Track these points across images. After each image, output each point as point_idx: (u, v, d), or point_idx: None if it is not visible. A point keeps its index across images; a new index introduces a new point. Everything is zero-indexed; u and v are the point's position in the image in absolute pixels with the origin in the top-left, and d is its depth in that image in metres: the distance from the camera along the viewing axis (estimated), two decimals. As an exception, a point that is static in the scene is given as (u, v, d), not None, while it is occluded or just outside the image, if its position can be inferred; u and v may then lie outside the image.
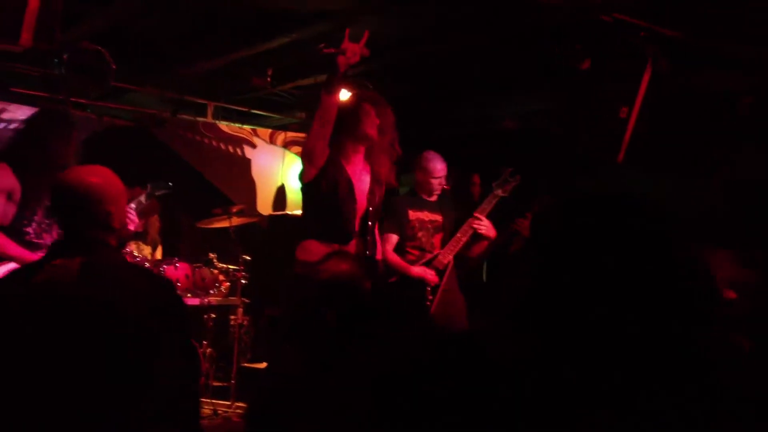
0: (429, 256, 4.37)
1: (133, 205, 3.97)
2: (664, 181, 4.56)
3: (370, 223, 3.69)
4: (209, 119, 6.64)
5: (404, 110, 4.00)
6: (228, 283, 5.44)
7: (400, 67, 5.39)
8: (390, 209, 4.39)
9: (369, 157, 3.83)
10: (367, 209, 3.73)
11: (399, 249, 4.39)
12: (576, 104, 5.00)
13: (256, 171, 7.03)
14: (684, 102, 4.55)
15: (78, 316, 1.97)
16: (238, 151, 6.94)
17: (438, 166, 4.46)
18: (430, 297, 4.26)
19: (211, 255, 5.50)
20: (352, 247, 3.72)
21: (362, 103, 3.81)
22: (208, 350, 5.08)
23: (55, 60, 4.76)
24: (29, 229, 3.57)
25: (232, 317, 5.40)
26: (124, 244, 2.20)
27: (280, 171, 7.20)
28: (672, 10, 3.89)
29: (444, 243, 4.41)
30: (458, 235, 4.31)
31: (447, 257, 4.31)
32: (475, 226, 4.26)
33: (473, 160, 5.71)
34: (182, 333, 2.19)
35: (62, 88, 5.31)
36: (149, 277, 2.24)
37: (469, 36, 4.56)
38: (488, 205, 4.31)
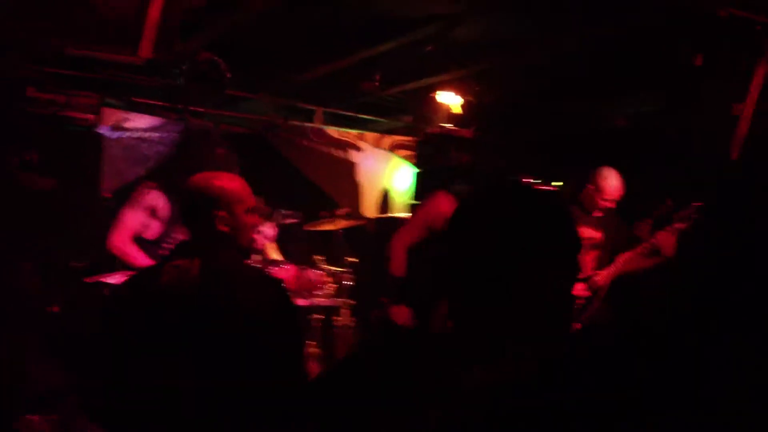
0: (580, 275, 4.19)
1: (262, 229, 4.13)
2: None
3: None
4: (318, 124, 6.79)
5: (512, 111, 3.98)
6: (334, 285, 5.55)
7: (507, 68, 5.35)
8: None
9: None
10: None
11: None
12: (689, 102, 4.83)
13: (362, 174, 7.13)
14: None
15: (199, 316, 2.12)
16: (345, 155, 7.06)
17: (613, 187, 4.20)
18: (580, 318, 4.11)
19: (318, 257, 5.62)
20: None
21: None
22: (315, 350, 5.21)
23: (174, 70, 4.98)
24: (168, 246, 3.80)
25: (337, 318, 5.50)
26: (245, 252, 2.31)
27: (385, 174, 7.27)
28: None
29: (600, 262, 4.22)
30: (624, 258, 4.10)
31: (604, 280, 4.12)
32: (663, 243, 3.94)
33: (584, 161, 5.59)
34: (293, 334, 2.30)
35: (181, 98, 5.58)
36: (263, 280, 2.33)
37: (577, 36, 4.49)
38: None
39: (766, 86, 3.70)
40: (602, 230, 4.26)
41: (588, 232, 4.22)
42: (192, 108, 5.83)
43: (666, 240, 3.96)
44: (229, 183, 2.30)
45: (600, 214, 4.25)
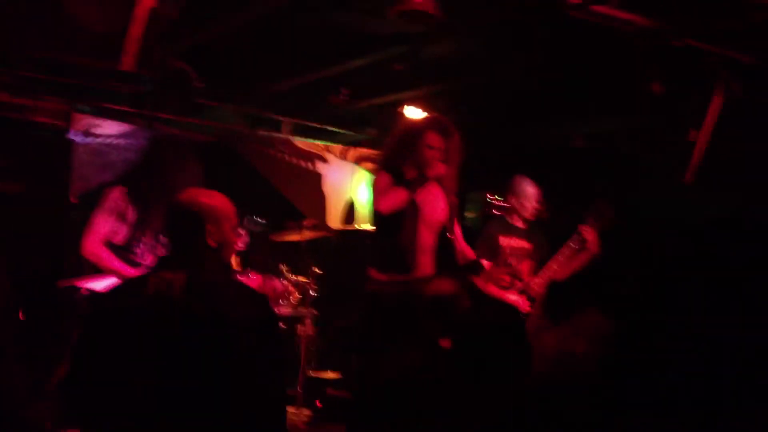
0: (519, 284, 4.40)
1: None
2: (729, 201, 4.50)
3: (449, 235, 3.80)
4: (285, 135, 6.84)
5: (475, 131, 4.11)
6: (298, 295, 5.60)
7: (472, 89, 5.49)
8: (481, 235, 4.52)
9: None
10: (444, 226, 3.85)
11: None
12: (646, 126, 5.02)
13: (327, 186, 7.19)
14: (757, 126, 4.51)
15: (184, 329, 2.19)
16: (311, 166, 7.12)
17: (530, 193, 4.53)
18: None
19: (283, 267, 5.67)
20: (426, 268, 3.84)
21: (426, 132, 3.89)
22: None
23: (143, 77, 5.00)
24: (137, 250, 3.85)
25: (300, 327, 5.55)
26: (228, 267, 2.43)
27: (350, 186, 7.34)
28: (745, 36, 3.91)
29: (533, 270, 4.46)
30: (557, 261, 4.36)
31: (541, 286, 4.32)
32: (587, 236, 4.26)
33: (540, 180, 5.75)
34: (276, 345, 2.39)
35: (148, 104, 5.59)
36: (248, 295, 2.41)
37: (543, 58, 4.64)
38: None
39: (722, 114, 3.89)
40: (531, 241, 4.57)
41: (519, 243, 4.53)
42: (159, 115, 5.85)
43: (589, 234, 4.26)
44: (218, 201, 2.40)
45: (525, 226, 4.58)
